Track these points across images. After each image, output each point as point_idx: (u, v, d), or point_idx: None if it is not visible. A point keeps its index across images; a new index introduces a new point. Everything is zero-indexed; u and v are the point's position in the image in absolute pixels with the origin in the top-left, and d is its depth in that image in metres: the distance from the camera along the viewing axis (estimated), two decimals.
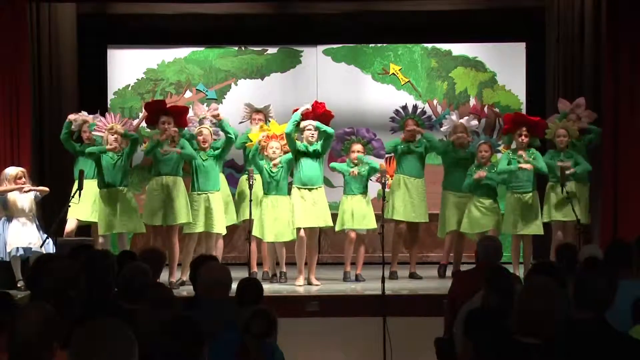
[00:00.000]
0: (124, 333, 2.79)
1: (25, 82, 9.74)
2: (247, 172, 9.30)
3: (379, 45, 11.58)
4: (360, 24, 11.52)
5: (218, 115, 9.48)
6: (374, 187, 9.97)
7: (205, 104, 10.33)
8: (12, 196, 8.98)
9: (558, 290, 3.55)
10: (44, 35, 10.35)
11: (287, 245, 9.37)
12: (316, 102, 9.61)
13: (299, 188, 9.23)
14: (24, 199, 9.02)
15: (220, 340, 4.34)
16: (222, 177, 9.62)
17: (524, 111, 11.29)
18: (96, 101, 10.73)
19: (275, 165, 9.16)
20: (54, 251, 8.45)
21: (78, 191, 8.85)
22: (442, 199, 9.81)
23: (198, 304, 5.11)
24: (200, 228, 9.20)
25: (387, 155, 10.40)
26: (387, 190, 9.29)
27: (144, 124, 9.83)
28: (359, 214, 9.36)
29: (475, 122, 10.05)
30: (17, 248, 8.86)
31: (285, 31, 11.54)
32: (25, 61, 9.75)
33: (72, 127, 9.61)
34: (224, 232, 9.47)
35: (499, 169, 9.40)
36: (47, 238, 8.82)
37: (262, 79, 11.56)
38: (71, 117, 9.60)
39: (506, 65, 11.52)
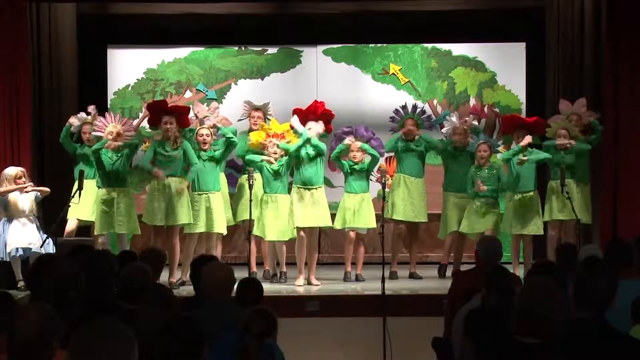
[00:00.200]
0: (124, 333, 2.79)
1: (25, 82, 9.74)
2: (247, 172, 9.31)
3: (379, 45, 11.58)
4: (360, 24, 11.52)
5: (216, 121, 9.49)
6: (374, 187, 9.97)
7: (205, 104, 10.33)
8: (13, 197, 8.98)
9: (558, 290, 3.55)
10: (44, 35, 10.35)
11: (287, 245, 9.38)
12: (315, 101, 9.62)
13: (298, 188, 9.24)
14: (24, 199, 9.02)
15: (220, 340, 4.34)
16: (222, 177, 9.62)
17: (523, 111, 11.31)
18: (96, 101, 10.70)
19: (274, 160, 9.17)
20: (54, 251, 8.45)
21: (78, 191, 8.86)
22: (443, 201, 9.81)
23: (198, 304, 5.11)
24: (200, 228, 9.20)
25: (387, 155, 10.40)
26: (387, 190, 9.29)
27: (143, 124, 9.83)
28: (360, 213, 9.36)
29: (475, 123, 10.07)
30: (17, 248, 8.87)
31: (285, 31, 11.54)
32: (25, 61, 9.75)
33: (72, 128, 9.62)
34: (224, 232, 9.48)
35: (503, 157, 9.46)
36: (47, 238, 8.82)
37: (262, 79, 11.56)
38: (71, 120, 9.60)
39: (506, 65, 11.52)
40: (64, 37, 10.68)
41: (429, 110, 10.96)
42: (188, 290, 8.18)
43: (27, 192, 9.02)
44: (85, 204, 9.27)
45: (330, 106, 9.75)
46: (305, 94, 11.04)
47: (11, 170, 9.10)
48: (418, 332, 7.34)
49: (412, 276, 9.79)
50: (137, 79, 11.56)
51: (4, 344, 3.30)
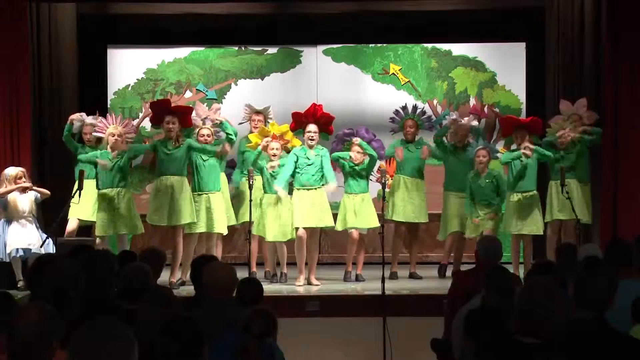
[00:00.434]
0: (124, 333, 2.79)
1: (25, 82, 9.73)
2: (247, 173, 9.31)
3: (379, 45, 11.58)
4: (360, 24, 11.52)
5: (217, 117, 9.49)
6: (374, 187, 9.97)
7: (206, 104, 10.33)
8: (12, 198, 8.98)
9: (558, 290, 3.55)
10: (44, 35, 10.34)
11: (288, 246, 9.38)
12: (314, 104, 9.59)
13: (298, 189, 9.24)
14: (24, 200, 9.02)
15: (220, 340, 4.34)
16: (223, 177, 9.62)
17: (523, 111, 11.31)
18: (96, 101, 10.72)
19: (272, 167, 9.19)
20: (54, 251, 8.45)
21: (78, 191, 8.86)
22: (443, 200, 9.81)
23: (198, 304, 5.11)
24: (201, 228, 9.20)
25: (387, 156, 10.40)
26: (387, 190, 9.29)
27: (143, 124, 9.83)
28: (361, 213, 9.37)
29: (475, 123, 10.07)
30: (17, 249, 8.86)
31: (285, 31, 11.54)
32: (25, 61, 9.74)
33: (72, 129, 9.61)
34: (225, 232, 9.47)
35: (503, 160, 9.46)
36: (47, 238, 8.82)
37: (262, 79, 11.56)
38: (73, 117, 9.58)
39: (506, 65, 11.52)
40: (64, 37, 10.68)
41: (429, 111, 10.96)
42: (188, 290, 8.18)
43: (27, 190, 9.01)
44: (85, 204, 9.26)
45: (331, 106, 9.74)
46: (305, 94, 11.04)
47: (11, 171, 9.10)
48: (418, 332, 7.33)
49: (412, 276, 9.80)
50: (137, 79, 11.55)
51: (4, 344, 3.30)
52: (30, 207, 9.04)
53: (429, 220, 9.99)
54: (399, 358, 7.57)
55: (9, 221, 9.00)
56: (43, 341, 3.17)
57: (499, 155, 9.93)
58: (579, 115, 9.59)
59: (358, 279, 9.50)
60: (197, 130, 9.35)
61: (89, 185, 9.14)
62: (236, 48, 11.61)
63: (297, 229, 9.16)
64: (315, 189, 9.25)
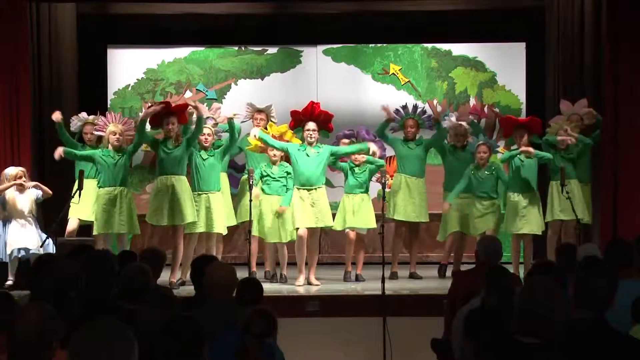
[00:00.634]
0: (124, 333, 2.79)
1: (25, 82, 9.73)
2: (247, 172, 9.32)
3: (379, 45, 11.59)
4: (360, 24, 11.53)
5: (225, 117, 9.52)
6: (374, 187, 9.97)
7: (206, 104, 10.33)
8: (12, 197, 8.97)
9: (558, 290, 3.55)
10: (44, 35, 10.35)
11: (288, 246, 9.38)
12: (312, 102, 9.58)
13: (298, 189, 9.24)
14: (24, 200, 9.02)
15: (220, 340, 4.34)
16: (223, 177, 9.61)
17: (524, 111, 11.32)
18: (96, 101, 10.73)
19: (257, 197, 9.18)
20: (54, 251, 8.44)
21: (78, 191, 8.85)
22: (443, 200, 9.80)
23: (198, 304, 5.11)
24: (200, 228, 9.19)
25: (387, 156, 10.40)
26: (387, 190, 9.29)
27: None
28: (359, 213, 9.37)
29: (471, 118, 10.09)
30: (18, 249, 8.86)
31: (285, 31, 11.54)
32: (25, 61, 9.74)
33: (72, 128, 9.61)
34: (224, 232, 9.47)
35: (502, 158, 9.47)
36: (47, 238, 8.82)
37: (262, 79, 11.57)
38: (55, 116, 9.47)
39: (506, 65, 11.53)
40: (64, 37, 10.68)
41: (429, 111, 10.95)
42: (188, 290, 8.18)
43: (27, 187, 9.00)
44: (85, 204, 9.26)
45: (330, 106, 9.74)
46: (305, 94, 11.04)
47: (11, 170, 9.10)
48: (418, 332, 7.33)
49: (412, 276, 9.80)
50: (137, 79, 11.56)
51: (4, 344, 3.30)
52: (30, 207, 9.03)
53: (430, 220, 9.99)
54: (399, 358, 7.57)
55: (8, 220, 9.00)
56: (43, 341, 3.17)
57: (498, 150, 9.92)
58: (579, 115, 9.60)
59: (358, 279, 9.50)
60: None
61: (89, 184, 9.13)
62: (236, 48, 11.62)
63: (297, 228, 9.16)
64: (316, 189, 9.24)
